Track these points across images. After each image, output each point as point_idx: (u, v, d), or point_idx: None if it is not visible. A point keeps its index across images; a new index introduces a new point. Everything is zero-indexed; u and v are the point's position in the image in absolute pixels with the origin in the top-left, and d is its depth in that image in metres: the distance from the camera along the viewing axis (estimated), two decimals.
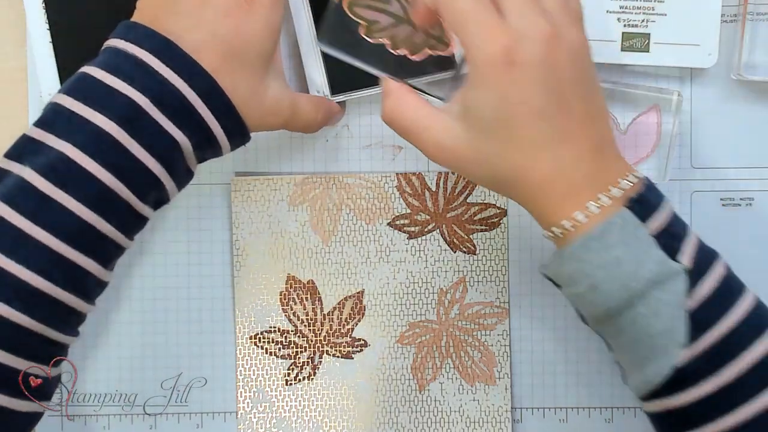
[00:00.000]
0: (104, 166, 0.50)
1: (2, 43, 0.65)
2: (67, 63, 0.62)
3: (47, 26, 0.62)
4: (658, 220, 0.50)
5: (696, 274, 0.50)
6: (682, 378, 0.49)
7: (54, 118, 0.51)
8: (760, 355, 0.49)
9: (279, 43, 0.56)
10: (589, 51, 0.53)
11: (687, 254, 0.50)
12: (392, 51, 0.58)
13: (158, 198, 0.53)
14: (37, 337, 0.50)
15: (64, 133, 0.50)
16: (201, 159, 0.54)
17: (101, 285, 0.53)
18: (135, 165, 0.50)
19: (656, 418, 0.52)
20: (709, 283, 0.50)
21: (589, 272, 0.50)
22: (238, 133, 0.54)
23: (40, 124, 0.51)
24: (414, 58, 0.59)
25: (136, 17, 0.54)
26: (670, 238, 0.50)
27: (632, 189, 0.51)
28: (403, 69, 0.58)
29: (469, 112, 0.51)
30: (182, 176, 0.54)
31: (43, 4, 0.62)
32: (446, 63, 0.59)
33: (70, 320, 0.52)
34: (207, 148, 0.53)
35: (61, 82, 0.62)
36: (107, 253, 0.52)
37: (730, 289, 0.51)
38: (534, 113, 0.50)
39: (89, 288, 0.52)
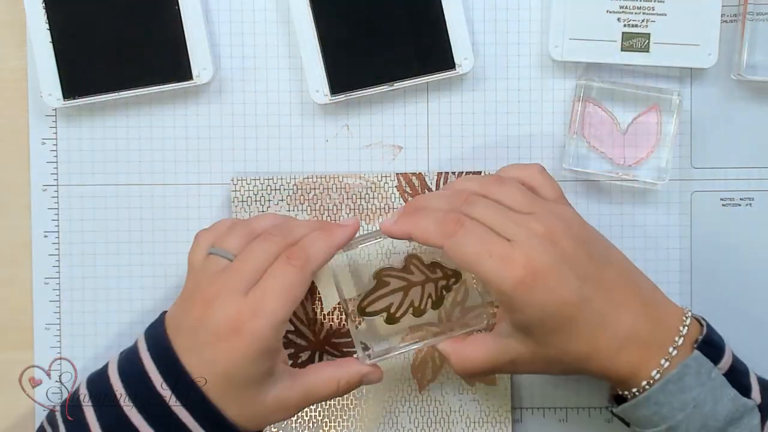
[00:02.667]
0: None
1: (2, 43, 0.65)
2: (67, 63, 0.62)
3: (47, 26, 0.62)
4: (726, 360, 0.54)
5: (766, 408, 0.53)
6: None
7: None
8: None
9: (281, 344, 0.56)
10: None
11: (756, 390, 0.53)
12: (417, 318, 0.59)
13: None
14: None
15: None
16: None
17: None
18: None
19: None
20: None
21: (667, 414, 0.52)
22: None
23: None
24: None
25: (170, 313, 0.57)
26: (738, 375, 0.54)
27: (695, 331, 0.54)
28: (441, 326, 0.60)
29: (520, 330, 0.54)
30: None
31: (43, 4, 0.62)
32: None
33: None
34: None
35: (61, 82, 0.62)
36: None
37: None
38: (576, 303, 0.52)
39: None
